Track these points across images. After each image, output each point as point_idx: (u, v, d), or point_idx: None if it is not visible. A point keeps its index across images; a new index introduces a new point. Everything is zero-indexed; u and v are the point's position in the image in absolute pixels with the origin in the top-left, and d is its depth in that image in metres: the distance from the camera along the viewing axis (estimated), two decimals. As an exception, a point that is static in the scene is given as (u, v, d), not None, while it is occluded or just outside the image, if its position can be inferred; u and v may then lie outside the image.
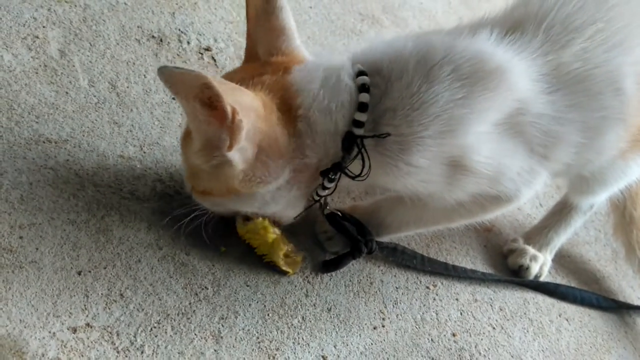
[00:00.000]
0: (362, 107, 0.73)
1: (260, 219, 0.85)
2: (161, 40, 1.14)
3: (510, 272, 1.09)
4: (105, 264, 0.79)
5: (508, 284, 1.06)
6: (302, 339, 0.82)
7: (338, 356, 0.82)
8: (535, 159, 0.80)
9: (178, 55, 1.13)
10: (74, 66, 1.01)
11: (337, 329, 0.86)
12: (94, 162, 0.90)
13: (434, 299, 0.97)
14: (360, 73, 0.75)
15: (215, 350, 0.76)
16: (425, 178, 0.77)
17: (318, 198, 0.85)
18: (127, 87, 1.03)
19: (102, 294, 0.76)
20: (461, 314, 0.97)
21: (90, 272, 0.77)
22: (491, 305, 1.01)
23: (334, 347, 0.83)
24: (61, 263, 0.76)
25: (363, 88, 0.73)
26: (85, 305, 0.74)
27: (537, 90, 0.76)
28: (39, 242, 0.77)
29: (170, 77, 0.63)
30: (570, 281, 1.15)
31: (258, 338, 0.80)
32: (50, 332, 0.70)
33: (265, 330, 0.81)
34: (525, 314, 1.02)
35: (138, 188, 0.90)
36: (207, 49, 1.18)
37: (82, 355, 0.69)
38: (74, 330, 0.71)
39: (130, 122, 0.98)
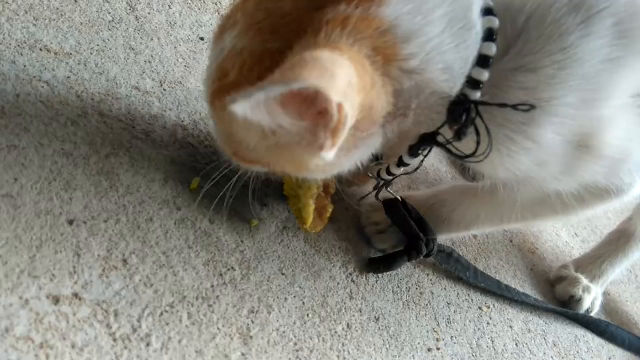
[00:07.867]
0: (483, 61, 0.54)
1: None
2: (194, -31, 0.94)
3: (558, 302, 0.94)
4: (107, 216, 0.57)
5: (558, 315, 0.91)
6: (348, 352, 0.63)
7: (390, 379, 0.64)
8: None
9: (210, -8, 0.94)
10: (86, -29, 0.80)
11: (388, 346, 0.67)
12: (102, 87, 0.69)
13: (488, 323, 0.80)
14: (487, 11, 0.55)
15: (242, 354, 0.56)
16: (544, 159, 0.60)
17: (388, 177, 0.68)
18: (149, 14, 0.82)
19: (99, 255, 0.54)
20: (517, 345, 0.81)
21: (85, 223, 0.56)
22: (545, 339, 0.85)
23: (385, 367, 0.65)
24: (47, 205, 0.55)
25: (489, 34, 0.55)
26: (74, 268, 0.52)
27: None
28: (20, 171, 0.55)
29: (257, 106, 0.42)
30: (612, 321, 1.01)
31: (296, 345, 0.60)
32: (21, 297, 0.48)
33: (304, 335, 0.62)
34: (578, 353, 0.88)
35: (155, 129, 0.69)
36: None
37: (64, 338, 0.48)
38: (56, 301, 0.49)
39: (150, 52, 0.77)
